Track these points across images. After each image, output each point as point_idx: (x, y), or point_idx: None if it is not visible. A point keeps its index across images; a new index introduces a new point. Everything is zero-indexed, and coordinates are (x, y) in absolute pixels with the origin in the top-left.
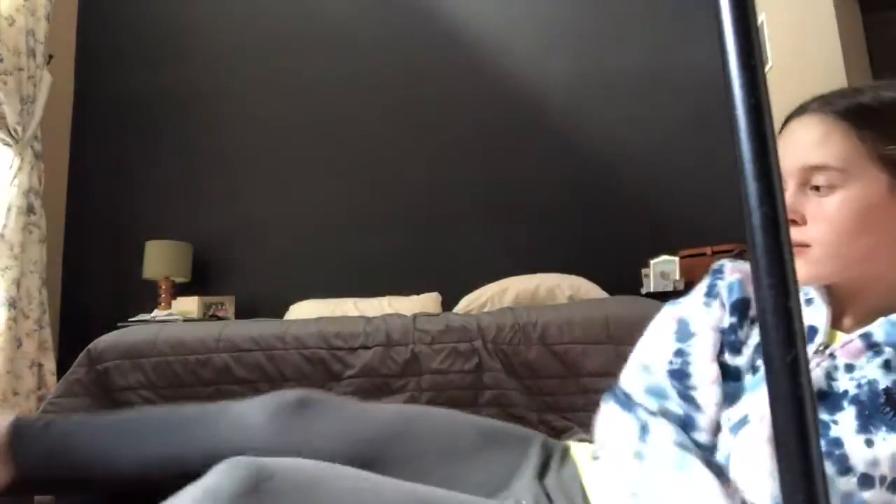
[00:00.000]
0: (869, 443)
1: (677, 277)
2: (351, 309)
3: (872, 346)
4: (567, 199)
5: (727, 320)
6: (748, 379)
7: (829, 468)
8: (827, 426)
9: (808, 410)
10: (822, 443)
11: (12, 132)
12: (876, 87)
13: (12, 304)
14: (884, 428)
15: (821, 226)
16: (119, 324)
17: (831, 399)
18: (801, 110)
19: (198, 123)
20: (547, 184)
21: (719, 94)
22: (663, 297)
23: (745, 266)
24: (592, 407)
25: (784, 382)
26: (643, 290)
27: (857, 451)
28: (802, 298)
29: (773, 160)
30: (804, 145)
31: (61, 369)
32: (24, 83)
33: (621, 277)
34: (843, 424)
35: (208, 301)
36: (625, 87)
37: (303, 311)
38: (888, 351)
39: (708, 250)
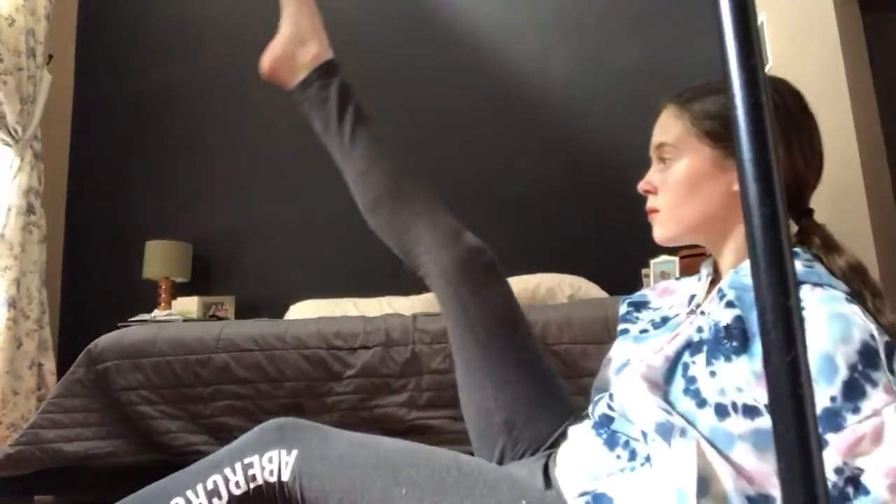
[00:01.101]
0: (713, 374)
1: (677, 277)
2: (351, 309)
3: (721, 294)
4: (567, 198)
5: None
6: (632, 335)
7: (689, 403)
8: (687, 367)
9: (808, 410)
10: (682, 381)
11: (12, 132)
12: (714, 81)
13: (12, 304)
14: (722, 358)
15: (664, 193)
16: (119, 324)
17: (695, 345)
18: (662, 103)
19: (198, 123)
20: (547, 184)
21: None
22: None
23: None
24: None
25: (784, 382)
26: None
27: (705, 383)
28: (696, 277)
29: (773, 160)
30: (657, 129)
31: (61, 369)
32: (24, 83)
33: (621, 277)
34: (699, 364)
35: (208, 301)
36: (625, 87)
37: (303, 311)
38: (730, 293)
39: (708, 250)
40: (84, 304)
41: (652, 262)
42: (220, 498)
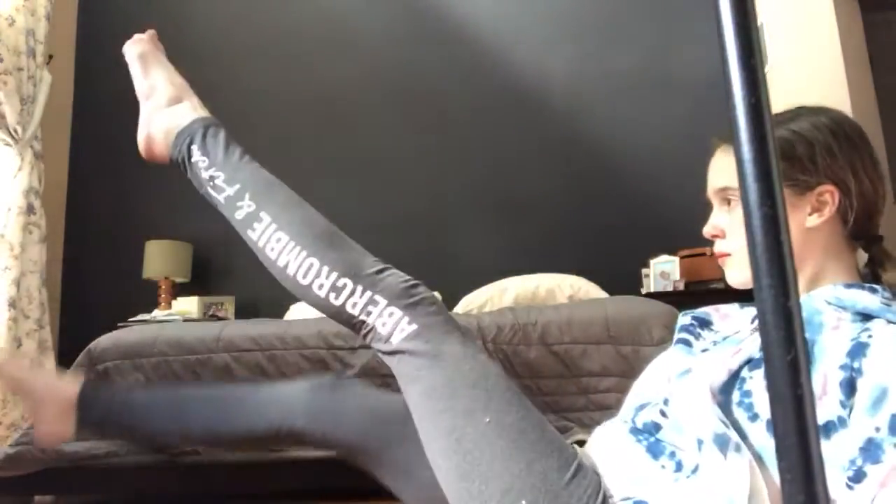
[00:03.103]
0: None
1: (677, 277)
2: None
3: None
4: (567, 198)
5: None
6: (695, 350)
7: (741, 415)
8: (744, 381)
9: (808, 410)
10: (737, 394)
11: (12, 132)
12: (786, 117)
13: (12, 304)
14: None
15: (735, 236)
16: (119, 324)
17: (756, 361)
18: (715, 144)
19: None
20: (547, 184)
21: (719, 94)
22: (663, 297)
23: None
24: (592, 407)
25: (784, 382)
26: (643, 290)
27: (760, 397)
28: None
29: (773, 160)
30: (717, 170)
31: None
32: (24, 83)
33: (621, 277)
34: (756, 380)
35: (208, 301)
36: (625, 87)
37: (303, 311)
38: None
39: (708, 250)
40: (84, 304)
41: (652, 261)
42: (336, 298)
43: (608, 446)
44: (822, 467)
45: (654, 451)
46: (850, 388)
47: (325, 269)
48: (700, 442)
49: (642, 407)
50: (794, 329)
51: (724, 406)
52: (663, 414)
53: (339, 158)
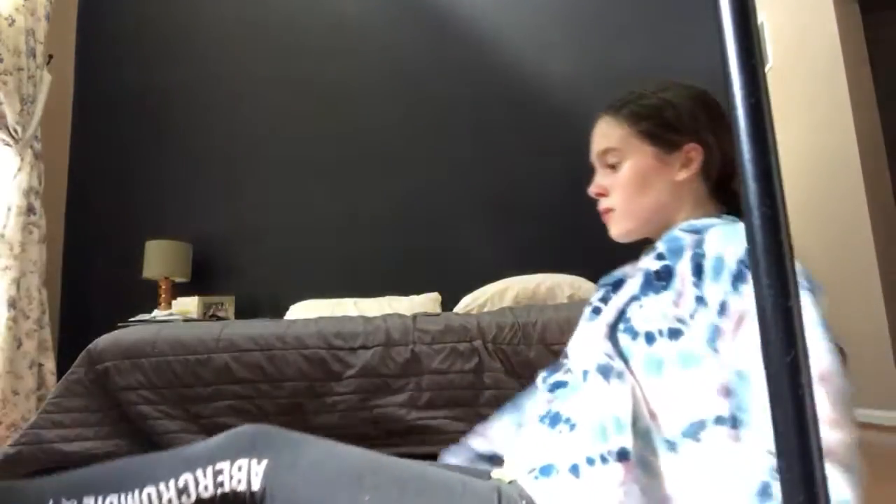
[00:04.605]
0: (641, 307)
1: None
2: (351, 309)
3: (654, 249)
4: (567, 198)
5: None
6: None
7: (626, 340)
8: (625, 312)
9: (808, 410)
10: (622, 325)
11: (12, 132)
12: (642, 87)
13: (12, 304)
14: (651, 293)
15: (616, 193)
16: (119, 324)
17: (636, 296)
18: (598, 115)
19: (198, 123)
20: (547, 183)
21: (719, 94)
22: None
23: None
24: None
25: (784, 382)
26: None
27: (636, 317)
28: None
29: (773, 160)
30: (600, 136)
31: (61, 369)
32: (24, 83)
33: None
34: (634, 308)
35: (208, 301)
36: (625, 87)
37: (303, 311)
38: (661, 246)
39: None
40: (84, 304)
41: None
42: (188, 497)
43: (523, 442)
44: (822, 467)
45: (553, 422)
46: (698, 269)
47: (161, 484)
48: (585, 373)
49: (554, 371)
50: (794, 329)
51: (612, 339)
52: (569, 371)
53: (339, 157)
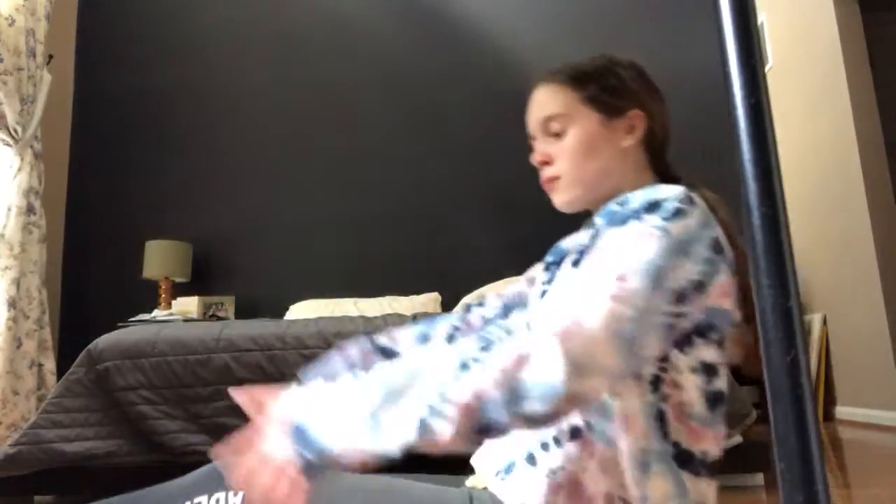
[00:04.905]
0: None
1: None
2: (351, 309)
3: (591, 223)
4: None
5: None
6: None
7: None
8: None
9: (808, 410)
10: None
11: (12, 132)
12: (579, 59)
13: (12, 304)
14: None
15: (562, 160)
16: (119, 324)
17: (545, 284)
18: (535, 84)
19: (198, 123)
20: None
21: (719, 94)
22: None
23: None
24: None
25: (784, 382)
26: None
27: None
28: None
29: (773, 160)
30: (539, 105)
31: (61, 369)
32: (24, 83)
33: None
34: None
35: (208, 301)
36: None
37: (303, 311)
38: (597, 220)
39: None
40: (84, 304)
41: None
42: None
43: (494, 448)
44: (822, 467)
45: None
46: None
47: None
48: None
49: None
50: (794, 329)
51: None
52: None
53: (339, 157)
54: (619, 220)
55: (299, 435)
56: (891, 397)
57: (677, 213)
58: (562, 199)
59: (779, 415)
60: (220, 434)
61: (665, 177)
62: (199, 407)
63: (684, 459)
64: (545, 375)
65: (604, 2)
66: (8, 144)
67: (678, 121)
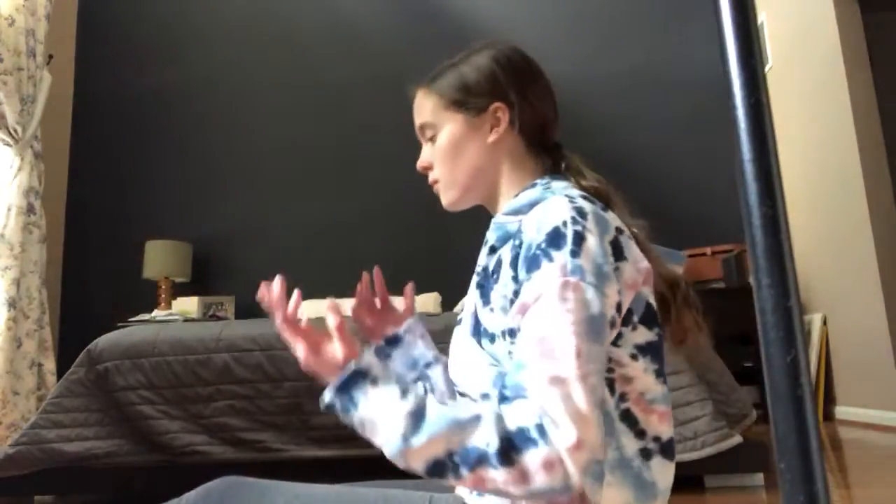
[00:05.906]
0: (492, 310)
1: None
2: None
3: (486, 241)
4: None
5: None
6: None
7: (485, 342)
8: (476, 313)
9: (808, 410)
10: (481, 329)
11: (12, 132)
12: (450, 58)
13: (12, 304)
14: (490, 292)
15: (437, 164)
16: (119, 324)
17: (483, 294)
18: (410, 91)
19: (198, 124)
20: None
21: (719, 94)
22: None
23: None
24: None
25: (784, 382)
26: None
27: (486, 318)
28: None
29: (773, 160)
30: (415, 112)
31: (61, 369)
32: (24, 83)
33: None
34: (483, 308)
35: (208, 301)
36: (625, 88)
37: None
38: (492, 237)
39: (708, 250)
40: (84, 304)
41: None
42: None
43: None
44: (822, 467)
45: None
46: (515, 261)
47: None
48: (486, 396)
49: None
50: (793, 329)
51: (480, 347)
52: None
53: (339, 158)
54: (532, 261)
55: (347, 381)
56: (891, 397)
57: (579, 240)
58: (445, 201)
59: (779, 415)
60: (220, 434)
61: (554, 156)
62: (199, 407)
63: (664, 447)
64: (563, 485)
65: (604, 2)
66: (8, 144)
67: (678, 121)
